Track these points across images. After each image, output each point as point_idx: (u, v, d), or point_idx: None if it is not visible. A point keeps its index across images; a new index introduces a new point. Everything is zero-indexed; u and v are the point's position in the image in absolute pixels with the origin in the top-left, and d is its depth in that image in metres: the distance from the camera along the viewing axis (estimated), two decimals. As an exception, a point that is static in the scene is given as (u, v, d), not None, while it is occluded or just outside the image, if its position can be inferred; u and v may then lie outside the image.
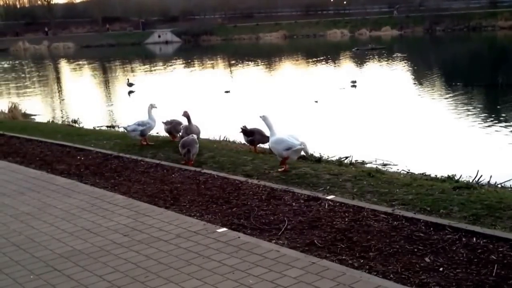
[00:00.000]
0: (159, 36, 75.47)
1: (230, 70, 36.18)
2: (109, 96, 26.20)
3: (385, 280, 3.87)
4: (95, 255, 4.61)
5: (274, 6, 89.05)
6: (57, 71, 43.20)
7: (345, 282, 3.82)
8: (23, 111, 17.96)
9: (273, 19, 78.45)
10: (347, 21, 70.97)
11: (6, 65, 48.36)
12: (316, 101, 18.33)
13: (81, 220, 5.55)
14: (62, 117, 18.62)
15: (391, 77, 26.44)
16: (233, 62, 41.20)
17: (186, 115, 8.75)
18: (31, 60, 54.56)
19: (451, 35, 56.39)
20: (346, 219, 5.15)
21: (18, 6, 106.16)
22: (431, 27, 62.15)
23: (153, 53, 60.54)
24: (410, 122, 14.40)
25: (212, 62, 43.79)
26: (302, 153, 7.17)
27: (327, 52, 43.69)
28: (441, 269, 4.02)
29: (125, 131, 9.58)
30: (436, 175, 7.60)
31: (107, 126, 15.53)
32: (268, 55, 45.33)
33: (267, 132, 7.69)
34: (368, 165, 9.03)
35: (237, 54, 48.52)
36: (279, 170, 7.10)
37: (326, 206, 5.54)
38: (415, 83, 24.73)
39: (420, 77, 26.65)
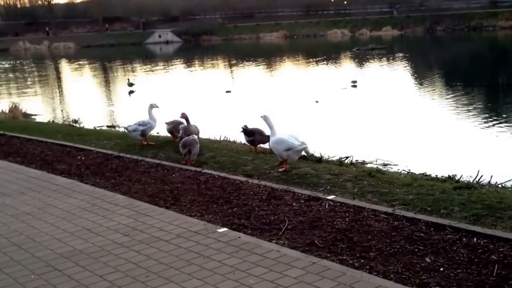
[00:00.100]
0: (160, 36, 75.50)
1: (231, 70, 36.19)
2: (110, 96, 26.21)
3: (385, 280, 3.87)
4: (96, 255, 4.61)
5: (274, 6, 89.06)
6: (57, 71, 43.22)
7: (346, 282, 3.82)
8: (23, 111, 17.97)
9: (273, 19, 78.46)
10: (347, 21, 70.98)
11: (6, 65, 48.38)
12: (317, 101, 18.34)
13: (82, 220, 5.55)
14: (62, 117, 18.63)
15: (392, 77, 26.44)
16: (233, 62, 41.22)
17: (184, 116, 8.76)
18: (31, 60, 54.59)
19: (451, 35, 56.38)
20: (347, 219, 5.15)
21: (19, 6, 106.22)
22: (431, 27, 62.15)
23: (153, 53, 60.56)
24: (410, 122, 14.40)
25: (212, 62, 43.82)
26: (303, 153, 7.17)
27: (328, 52, 43.70)
28: (441, 269, 4.02)
29: (126, 131, 9.58)
30: (436, 175, 7.60)
31: (108, 126, 15.54)
32: (268, 55, 45.33)
33: (267, 132, 7.68)
34: (369, 165, 9.03)
35: (237, 54, 48.54)
36: (280, 170, 7.10)
37: (326, 206, 5.54)
38: (415, 83, 24.72)
39: (420, 77, 26.65)
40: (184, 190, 6.47)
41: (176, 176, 7.15)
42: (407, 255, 4.28)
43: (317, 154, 8.72)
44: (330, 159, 8.85)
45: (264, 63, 39.08)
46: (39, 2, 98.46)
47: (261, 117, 7.30)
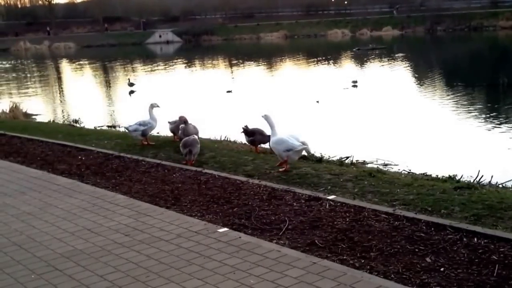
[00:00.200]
0: (160, 36, 75.52)
1: (231, 70, 36.19)
2: (110, 96, 26.22)
3: (386, 280, 3.87)
4: (96, 255, 4.61)
5: (274, 6, 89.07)
6: (58, 71, 43.24)
7: (346, 282, 3.82)
8: (24, 111, 17.97)
9: (273, 19, 78.47)
10: (348, 21, 70.98)
11: (7, 65, 48.39)
12: (318, 101, 18.34)
13: (82, 220, 5.56)
14: (63, 117, 18.64)
15: (392, 77, 26.44)
16: (234, 62, 41.22)
17: (183, 119, 8.80)
18: (32, 60, 54.61)
19: (452, 35, 56.37)
20: (347, 219, 5.15)
21: (19, 6, 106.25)
22: (432, 27, 62.13)
23: (154, 53, 60.58)
24: (411, 122, 14.40)
25: (213, 62, 43.83)
26: (304, 153, 7.16)
27: (328, 52, 43.70)
28: (442, 269, 4.02)
29: (127, 131, 9.59)
30: (437, 175, 7.60)
31: (108, 126, 15.54)
32: (269, 55, 45.34)
33: (268, 132, 7.69)
34: (369, 165, 9.03)
35: (238, 54, 48.54)
36: (280, 170, 7.10)
37: (327, 206, 5.55)
38: (416, 83, 24.72)
39: (421, 77, 26.65)
40: (185, 190, 6.47)
41: (177, 176, 7.15)
42: (408, 255, 4.28)
43: (317, 154, 8.71)
44: (330, 159, 8.85)
45: (264, 63, 39.09)
46: (40, 2, 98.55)
47: (262, 116, 7.30)
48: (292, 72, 32.15)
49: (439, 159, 10.30)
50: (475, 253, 4.24)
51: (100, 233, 5.15)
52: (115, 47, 69.95)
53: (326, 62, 36.45)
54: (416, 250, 4.38)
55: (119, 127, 14.81)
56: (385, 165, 9.38)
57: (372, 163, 9.41)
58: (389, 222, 5.02)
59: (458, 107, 16.63)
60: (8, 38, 78.54)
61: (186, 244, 4.73)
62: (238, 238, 4.79)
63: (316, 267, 4.10)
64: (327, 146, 10.37)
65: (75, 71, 43.16)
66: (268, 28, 72.50)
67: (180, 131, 8.77)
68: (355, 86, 22.18)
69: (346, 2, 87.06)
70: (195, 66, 40.70)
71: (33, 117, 18.25)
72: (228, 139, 11.22)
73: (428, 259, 4.19)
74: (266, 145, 8.83)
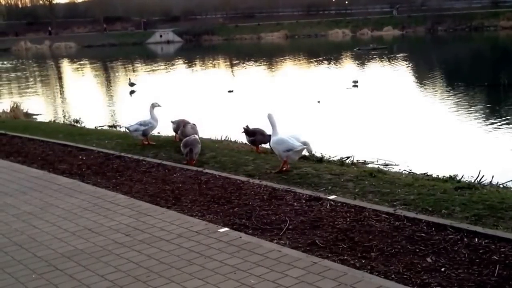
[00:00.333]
0: (161, 36, 75.53)
1: (232, 70, 36.19)
2: (111, 96, 26.23)
3: (386, 280, 3.87)
4: (97, 255, 4.61)
5: (275, 6, 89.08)
6: (58, 71, 43.26)
7: (347, 282, 3.82)
8: (25, 111, 17.99)
9: (274, 19, 78.47)
10: (348, 21, 70.97)
11: (8, 65, 48.42)
12: (319, 101, 18.34)
13: (83, 220, 5.56)
14: (64, 117, 18.64)
15: (393, 77, 26.43)
16: (235, 62, 41.22)
17: (183, 123, 8.88)
18: (33, 60, 54.63)
19: (453, 35, 56.36)
20: (348, 219, 5.15)
21: (20, 5, 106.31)
22: (433, 27, 62.12)
23: (154, 53, 60.60)
24: (412, 122, 14.39)
25: (213, 62, 43.83)
26: (305, 152, 7.15)
27: (329, 52, 43.69)
28: (443, 269, 4.02)
29: (127, 131, 9.59)
30: (438, 175, 7.59)
31: (109, 126, 15.55)
32: (270, 55, 45.34)
33: (269, 132, 7.68)
34: (370, 165, 9.02)
35: (238, 54, 48.55)
36: (275, 171, 7.10)
37: (327, 206, 5.54)
38: (416, 83, 24.72)
39: (421, 77, 26.64)
40: (185, 190, 6.47)
41: (177, 176, 7.15)
42: (408, 255, 4.28)
43: (318, 154, 8.71)
44: (331, 159, 8.85)
45: (265, 63, 39.09)
46: (40, 2, 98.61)
47: (267, 115, 7.28)
48: (293, 72, 32.15)
49: (440, 159, 10.29)
50: (476, 253, 4.24)
51: (100, 233, 5.15)
52: (116, 47, 69.97)
53: (327, 62, 36.45)
54: (417, 250, 4.37)
55: (120, 127, 14.82)
56: (386, 165, 9.38)
57: (373, 163, 9.40)
58: (390, 222, 5.01)
59: (459, 107, 16.62)
60: (9, 38, 78.57)
61: (187, 244, 4.73)
62: (238, 238, 4.79)
63: (316, 267, 4.10)
64: (327, 146, 10.36)
65: (76, 71, 43.18)
66: (269, 28, 72.50)
67: (179, 133, 8.85)
68: (355, 86, 22.18)
69: (346, 2, 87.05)
70: (196, 66, 40.71)
71: (34, 117, 18.26)
72: (229, 139, 11.22)
73: (428, 259, 4.18)
74: (267, 145, 8.83)
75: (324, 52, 44.84)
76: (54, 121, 16.65)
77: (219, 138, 11.28)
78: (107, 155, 8.73)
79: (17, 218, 5.75)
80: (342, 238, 4.70)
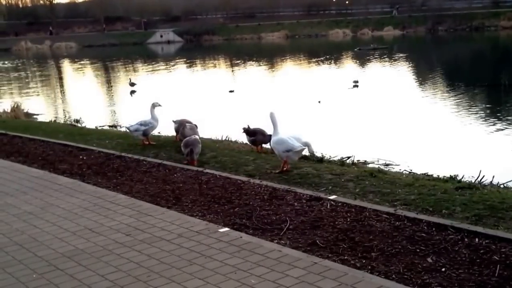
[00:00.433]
0: (161, 36, 75.51)
1: (233, 70, 36.19)
2: (111, 96, 26.23)
3: (387, 280, 3.87)
4: (98, 255, 4.61)
5: (276, 6, 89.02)
6: (59, 71, 43.26)
7: (347, 282, 3.82)
8: (25, 111, 18.00)
9: (275, 19, 78.42)
10: (349, 21, 70.91)
11: (8, 65, 48.44)
12: (319, 102, 18.34)
13: (84, 220, 5.56)
14: (64, 117, 18.63)
15: (393, 77, 26.42)
16: (235, 62, 41.21)
17: (184, 123, 8.93)
18: (33, 60, 54.65)
19: (453, 35, 56.32)
20: (348, 219, 5.15)
21: (21, 5, 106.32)
22: (433, 27, 62.06)
23: (155, 52, 60.59)
24: (412, 122, 14.39)
25: (214, 62, 43.83)
26: (306, 153, 7.15)
27: (329, 52, 43.67)
28: (443, 269, 4.02)
29: (128, 131, 9.59)
30: (438, 175, 7.59)
31: (109, 126, 15.55)
32: (270, 55, 45.33)
33: (270, 132, 7.68)
34: (370, 165, 9.02)
35: (239, 54, 48.53)
36: (277, 171, 7.10)
37: (328, 206, 5.54)
38: (417, 83, 24.71)
39: (422, 77, 26.63)
40: (186, 190, 6.47)
41: (178, 176, 7.15)
42: (409, 255, 4.28)
43: (318, 154, 8.71)
44: (331, 159, 8.85)
45: (266, 63, 39.08)
46: (41, 1, 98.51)
47: (269, 114, 7.26)
48: (294, 72, 32.14)
49: (440, 159, 10.29)
50: (477, 254, 4.24)
51: (101, 232, 5.15)
52: (116, 47, 69.95)
53: (328, 62, 36.44)
54: (417, 250, 4.37)
55: (120, 127, 14.82)
56: (386, 165, 9.38)
57: (373, 163, 9.40)
58: (390, 222, 5.01)
59: (459, 107, 16.61)
60: (9, 38, 78.58)
61: (187, 244, 4.73)
62: (239, 238, 4.79)
63: (317, 267, 4.10)
64: (328, 146, 10.36)
65: (76, 71, 43.18)
66: (269, 28, 72.46)
67: (179, 134, 8.89)
68: (356, 86, 22.17)
69: (347, 2, 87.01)
70: (196, 66, 40.70)
71: (35, 116, 18.26)
72: (229, 139, 11.22)
73: (429, 259, 4.18)
74: (267, 145, 8.84)
75: (325, 52, 44.82)
76: (54, 121, 16.66)
77: (220, 138, 11.28)
78: (107, 155, 8.74)
79: (17, 218, 5.75)
80: (342, 238, 4.70)
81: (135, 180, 7.09)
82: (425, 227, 4.82)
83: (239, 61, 41.40)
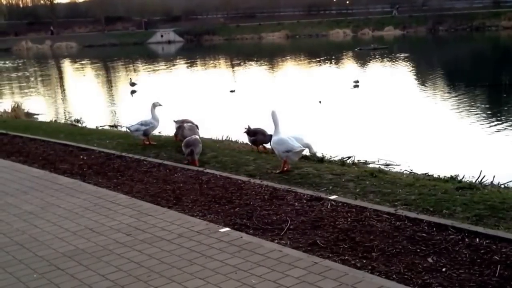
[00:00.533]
0: (162, 36, 75.51)
1: (233, 70, 36.18)
2: (112, 96, 26.23)
3: (387, 280, 3.87)
4: (98, 254, 4.61)
5: (276, 6, 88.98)
6: (59, 71, 43.27)
7: (348, 282, 3.82)
8: (26, 111, 18.00)
9: (275, 19, 78.39)
10: (349, 21, 70.85)
11: (9, 65, 48.45)
12: (320, 101, 18.34)
13: (84, 219, 5.56)
14: (65, 117, 18.65)
15: (394, 77, 26.40)
16: (236, 62, 41.20)
17: (181, 127, 8.98)
18: (34, 60, 54.66)
19: (454, 35, 56.28)
20: (349, 219, 5.15)
21: (21, 5, 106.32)
22: (434, 27, 62.02)
23: (155, 52, 60.60)
24: (413, 122, 14.38)
25: (215, 61, 43.83)
26: (308, 153, 7.14)
27: (330, 52, 43.65)
28: (444, 269, 4.02)
29: (128, 130, 9.60)
30: (439, 175, 7.58)
31: (110, 126, 15.55)
32: (271, 55, 45.32)
33: (270, 131, 7.68)
34: (371, 165, 9.02)
35: (240, 54, 48.53)
36: (277, 172, 7.10)
37: (328, 206, 5.54)
38: (417, 83, 24.70)
39: (423, 77, 26.62)
40: (186, 190, 6.47)
41: (178, 176, 7.16)
42: (409, 256, 4.28)
43: (319, 154, 8.71)
44: (332, 159, 8.85)
45: (266, 63, 39.08)
46: (42, 1, 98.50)
47: (271, 112, 7.25)
48: (294, 72, 32.13)
49: (441, 159, 10.28)
50: (477, 254, 4.24)
51: (101, 232, 5.16)
52: (117, 46, 69.95)
53: (328, 62, 36.43)
54: (418, 250, 4.37)
55: (121, 126, 14.82)
56: (387, 165, 9.37)
57: (374, 163, 9.40)
58: (391, 222, 5.01)
59: (460, 107, 16.60)
60: (10, 37, 78.59)
61: (188, 243, 4.73)
62: (239, 238, 4.79)
63: (317, 267, 4.10)
64: (328, 146, 10.36)
65: (77, 70, 43.19)
66: (270, 28, 72.43)
67: (179, 135, 8.93)
68: (356, 86, 22.17)
69: (347, 2, 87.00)
70: (197, 66, 40.71)
71: (35, 116, 18.26)
72: (230, 139, 11.22)
73: (430, 260, 4.18)
74: (268, 145, 8.84)
75: (325, 52, 44.79)
76: (55, 121, 16.67)
77: (220, 138, 11.29)
78: (108, 155, 8.74)
79: (18, 218, 5.76)
80: (343, 238, 4.70)
81: (136, 180, 7.09)
82: (426, 227, 4.82)
83: (240, 61, 41.40)
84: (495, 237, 4.47)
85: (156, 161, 8.06)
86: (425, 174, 7.96)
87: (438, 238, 4.57)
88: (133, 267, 4.32)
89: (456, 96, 18.91)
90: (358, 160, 9.25)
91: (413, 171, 8.41)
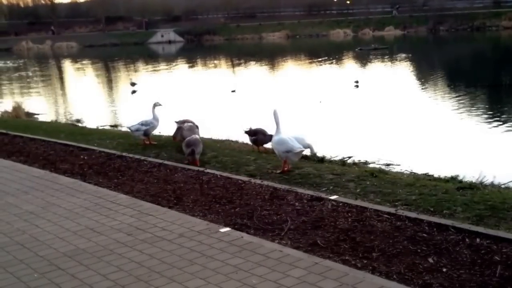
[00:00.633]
0: (162, 36, 75.52)
1: (234, 70, 36.19)
2: (112, 96, 26.25)
3: (388, 280, 3.87)
4: (99, 254, 4.62)
5: (277, 6, 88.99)
6: (60, 71, 43.29)
7: (348, 282, 3.82)
8: (26, 110, 18.00)
9: (276, 19, 78.38)
10: (350, 21, 70.85)
11: (10, 65, 48.47)
12: (320, 101, 18.34)
13: (85, 219, 5.56)
14: (65, 117, 18.65)
15: (394, 77, 26.40)
16: (236, 62, 41.21)
17: (180, 129, 9.03)
18: (34, 60, 54.68)
19: (454, 35, 56.27)
20: (349, 219, 5.15)
21: (22, 5, 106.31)
22: (434, 27, 62.00)
23: (156, 52, 60.61)
24: (413, 122, 14.37)
25: (215, 61, 43.82)
26: (308, 153, 7.14)
27: (330, 52, 43.65)
28: (444, 269, 4.02)
29: (129, 130, 9.60)
30: (439, 176, 7.59)
31: (110, 126, 15.55)
32: (271, 55, 45.33)
33: (271, 131, 7.68)
34: (371, 165, 9.02)
35: (240, 54, 48.52)
36: (278, 171, 7.10)
37: (329, 206, 5.54)
38: (418, 83, 24.69)
39: (423, 77, 26.62)
40: (187, 189, 6.47)
41: (179, 176, 7.16)
42: (410, 256, 4.28)
43: (319, 154, 8.71)
44: (332, 159, 8.85)
45: (267, 63, 39.08)
46: (42, 1, 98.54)
47: (273, 112, 7.25)
48: (295, 72, 32.14)
49: (441, 159, 10.28)
50: (478, 254, 4.24)
51: (102, 232, 5.16)
52: (118, 46, 69.97)
53: (328, 62, 36.43)
54: (419, 250, 4.37)
55: (121, 126, 14.83)
56: (387, 165, 9.37)
57: (374, 163, 9.40)
58: (391, 222, 5.01)
59: (461, 107, 16.60)
60: (10, 37, 78.61)
61: (188, 243, 4.73)
62: (240, 238, 4.79)
63: (318, 267, 4.10)
64: (329, 146, 10.36)
65: (78, 70, 43.20)
66: (270, 28, 72.42)
67: (179, 136, 8.96)
68: (357, 86, 22.17)
69: (348, 2, 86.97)
70: (197, 66, 40.72)
71: (35, 116, 18.26)
72: (230, 139, 11.23)
73: (430, 260, 4.18)
74: (268, 145, 8.84)
75: (326, 52, 44.79)
76: (55, 120, 16.67)
77: (221, 138, 11.29)
78: (108, 155, 8.74)
79: (18, 218, 5.76)
80: (343, 238, 4.70)
81: (136, 180, 7.09)
82: (426, 227, 4.82)
83: (240, 61, 41.40)
84: (495, 237, 4.47)
85: (156, 161, 8.06)
86: (425, 174, 7.96)
87: (439, 238, 4.57)
88: (134, 267, 4.32)
89: (456, 96, 18.91)
90: (358, 160, 9.25)
91: (414, 171, 8.41)
